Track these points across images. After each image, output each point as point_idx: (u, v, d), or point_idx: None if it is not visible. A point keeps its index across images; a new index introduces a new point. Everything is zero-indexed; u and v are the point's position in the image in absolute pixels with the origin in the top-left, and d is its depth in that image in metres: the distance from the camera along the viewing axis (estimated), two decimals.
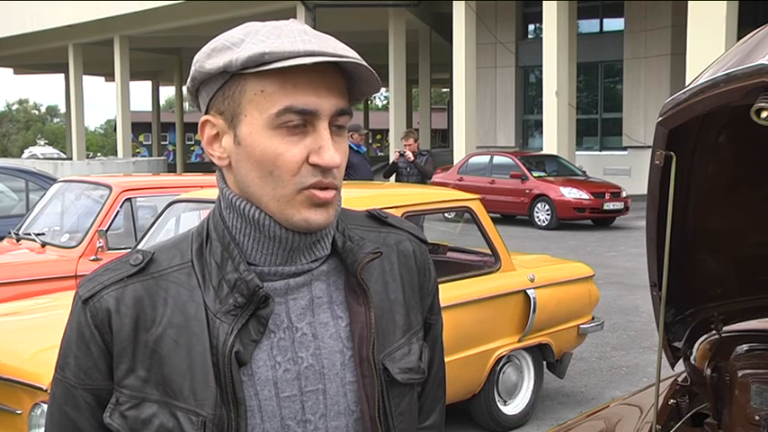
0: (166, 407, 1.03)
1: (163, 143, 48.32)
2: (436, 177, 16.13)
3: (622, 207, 15.65)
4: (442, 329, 1.29)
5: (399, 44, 25.37)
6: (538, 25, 24.77)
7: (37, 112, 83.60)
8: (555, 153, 18.20)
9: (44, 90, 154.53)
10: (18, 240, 6.24)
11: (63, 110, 58.05)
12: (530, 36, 26.73)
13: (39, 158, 34.96)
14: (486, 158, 17.49)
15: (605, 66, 24.96)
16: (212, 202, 1.16)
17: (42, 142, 60.15)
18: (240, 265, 1.06)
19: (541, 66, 19.52)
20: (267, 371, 1.06)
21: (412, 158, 10.06)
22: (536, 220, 15.77)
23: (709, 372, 2.46)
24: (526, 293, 4.87)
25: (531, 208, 15.88)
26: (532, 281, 4.93)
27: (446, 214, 11.61)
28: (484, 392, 4.85)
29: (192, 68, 1.07)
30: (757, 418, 2.36)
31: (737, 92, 1.73)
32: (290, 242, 1.07)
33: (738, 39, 7.56)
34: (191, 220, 4.97)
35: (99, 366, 1.05)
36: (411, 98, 43.42)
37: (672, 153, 2.01)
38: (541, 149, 19.88)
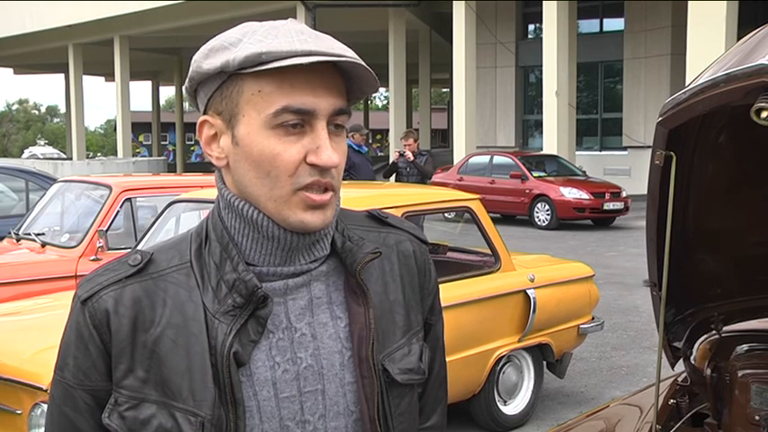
0: (165, 407, 1.03)
1: (163, 143, 48.35)
2: (436, 177, 16.13)
3: (622, 207, 15.65)
4: (444, 330, 1.29)
5: (399, 44, 25.37)
6: (538, 25, 24.77)
7: (37, 112, 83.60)
8: (555, 153, 18.19)
9: (44, 90, 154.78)
10: (18, 240, 6.24)
11: (63, 110, 58.07)
12: (530, 36, 26.73)
13: (39, 158, 34.96)
14: (486, 158, 17.49)
15: (605, 66, 24.96)
16: (212, 202, 1.16)
17: (42, 142, 60.16)
18: (239, 266, 1.06)
19: (541, 66, 19.52)
20: (266, 371, 1.06)
21: (412, 158, 10.06)
22: (536, 220, 15.77)
23: (709, 372, 2.45)
24: (526, 293, 4.86)
25: (531, 208, 15.88)
26: (532, 281, 4.93)
27: (446, 214, 11.61)
28: (484, 392, 4.85)
29: (190, 69, 1.07)
30: (757, 418, 2.36)
31: (737, 92, 1.73)
32: (288, 242, 1.07)
33: (738, 39, 7.56)
34: (191, 220, 4.97)
35: (98, 367, 1.05)
36: (411, 98, 43.42)
37: (672, 153, 2.00)
38: (541, 149, 19.88)
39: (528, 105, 26.89)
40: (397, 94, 25.41)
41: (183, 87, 1.11)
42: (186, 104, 41.28)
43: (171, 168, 34.01)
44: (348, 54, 1.02)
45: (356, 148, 8.98)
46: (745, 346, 2.47)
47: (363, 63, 1.03)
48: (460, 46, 20.55)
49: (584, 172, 17.24)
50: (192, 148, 50.33)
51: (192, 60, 1.07)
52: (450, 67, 22.51)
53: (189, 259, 1.09)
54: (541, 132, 20.44)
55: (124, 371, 1.04)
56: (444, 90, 54.23)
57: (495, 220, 5.39)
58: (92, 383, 1.06)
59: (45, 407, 2.21)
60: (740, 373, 2.40)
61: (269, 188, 1.04)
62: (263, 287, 1.05)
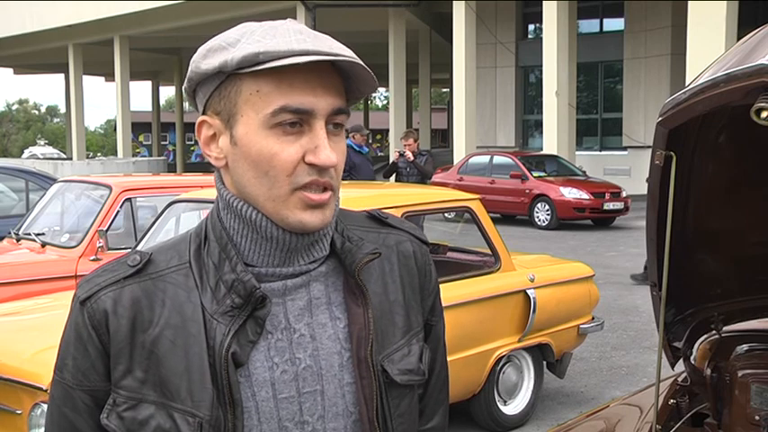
0: (163, 408, 1.03)
1: (163, 143, 48.35)
2: (436, 177, 16.13)
3: (622, 207, 15.65)
4: (445, 330, 1.28)
5: (399, 44, 25.37)
6: (538, 25, 24.77)
7: (37, 112, 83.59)
8: (555, 153, 18.19)
9: (44, 90, 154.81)
10: (18, 240, 6.24)
11: (63, 110, 58.06)
12: (530, 36, 26.73)
13: (39, 158, 34.97)
14: (486, 158, 17.49)
15: (605, 66, 24.96)
16: (212, 202, 1.16)
17: (42, 142, 60.18)
18: (237, 266, 1.06)
19: (541, 66, 19.52)
20: (264, 372, 1.06)
21: (412, 158, 10.06)
22: (536, 220, 15.77)
23: (709, 372, 2.45)
24: (526, 293, 4.86)
25: (531, 208, 15.88)
26: (532, 281, 4.93)
27: (446, 214, 11.61)
28: (484, 392, 4.85)
29: (189, 69, 1.07)
30: (757, 418, 2.36)
31: (737, 92, 1.73)
32: (287, 243, 1.07)
33: (738, 39, 7.56)
34: (190, 220, 4.97)
35: (96, 367, 1.05)
36: (411, 98, 43.42)
37: (672, 153, 2.00)
38: (541, 149, 19.87)
39: (528, 105, 26.89)
40: (397, 94, 25.41)
41: (183, 87, 1.11)
42: (186, 104, 41.26)
43: (171, 168, 34.01)
44: (346, 53, 1.02)
45: (357, 149, 8.98)
46: (745, 346, 2.47)
47: (361, 62, 1.03)
48: (460, 46, 20.55)
49: (584, 172, 17.24)
50: (191, 148, 50.32)
51: (191, 61, 1.07)
52: (450, 67, 22.50)
53: (188, 260, 1.09)
54: (541, 132, 20.44)
55: (123, 371, 1.04)
56: (444, 90, 54.23)
57: (495, 220, 5.39)
58: (91, 384, 1.06)
59: (45, 407, 2.21)
60: (740, 373, 2.40)
61: (267, 188, 1.04)
62: (261, 288, 1.05)
